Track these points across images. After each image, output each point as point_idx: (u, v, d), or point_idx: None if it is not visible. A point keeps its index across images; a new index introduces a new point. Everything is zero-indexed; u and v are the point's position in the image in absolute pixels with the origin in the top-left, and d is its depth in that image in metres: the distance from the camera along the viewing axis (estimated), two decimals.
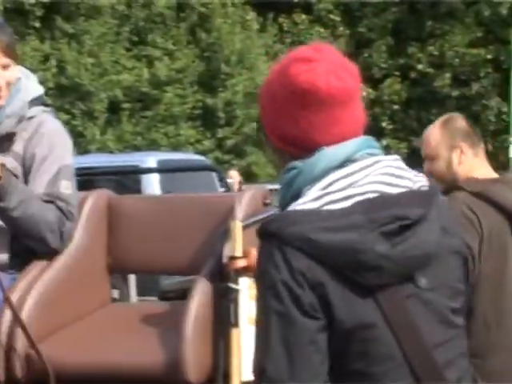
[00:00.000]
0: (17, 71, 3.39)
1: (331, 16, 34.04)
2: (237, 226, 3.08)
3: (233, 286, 3.03)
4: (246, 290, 3.07)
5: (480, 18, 34.04)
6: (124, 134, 26.15)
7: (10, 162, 3.31)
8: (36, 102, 3.46)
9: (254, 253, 3.02)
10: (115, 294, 4.51)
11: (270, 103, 2.14)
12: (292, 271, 1.93)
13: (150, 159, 13.89)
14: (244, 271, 3.05)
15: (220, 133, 27.81)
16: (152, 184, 13.48)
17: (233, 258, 3.04)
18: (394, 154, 2.15)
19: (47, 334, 3.23)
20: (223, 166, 25.27)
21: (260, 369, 1.97)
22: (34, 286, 3.25)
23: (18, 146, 3.39)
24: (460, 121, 4.10)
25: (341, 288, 1.95)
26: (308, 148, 2.06)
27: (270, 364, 1.95)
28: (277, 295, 1.94)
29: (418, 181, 2.08)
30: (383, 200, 2.01)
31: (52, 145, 3.41)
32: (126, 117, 26.51)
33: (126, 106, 26.58)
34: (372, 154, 2.08)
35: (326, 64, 2.05)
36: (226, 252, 3.09)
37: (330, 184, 2.01)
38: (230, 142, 27.95)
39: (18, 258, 3.35)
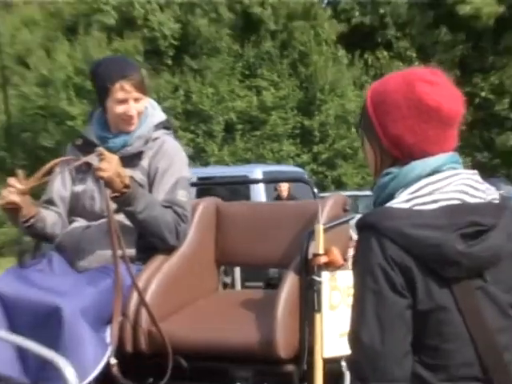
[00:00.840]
0: (146, 102, 3.63)
1: (408, 52, 36.58)
2: (320, 229, 3.24)
3: (316, 278, 3.17)
4: (327, 282, 3.19)
5: None
6: (237, 149, 26.77)
7: (137, 175, 3.52)
8: (159, 126, 3.67)
9: (333, 251, 3.23)
10: (228, 280, 4.62)
11: (390, 112, 2.24)
12: (386, 257, 2.08)
13: (257, 170, 14.20)
14: (326, 266, 3.21)
15: (315, 149, 28.99)
16: (259, 191, 13.83)
17: (316, 255, 3.20)
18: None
19: (166, 314, 3.36)
20: (318, 176, 27.28)
21: (356, 337, 2.10)
22: (156, 275, 3.42)
23: (144, 162, 3.56)
24: None
25: (423, 275, 2.09)
26: (416, 156, 2.21)
27: (364, 333, 2.08)
28: (373, 276, 2.08)
29: (490, 193, 2.22)
30: (464, 207, 2.15)
31: (171, 160, 3.57)
32: (239, 136, 27.44)
33: (238, 127, 27.56)
34: (455, 168, 2.22)
35: (447, 89, 2.24)
36: (311, 250, 3.23)
37: (420, 189, 2.16)
38: (323, 156, 29.09)
39: (143, 253, 3.50)
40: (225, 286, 4.31)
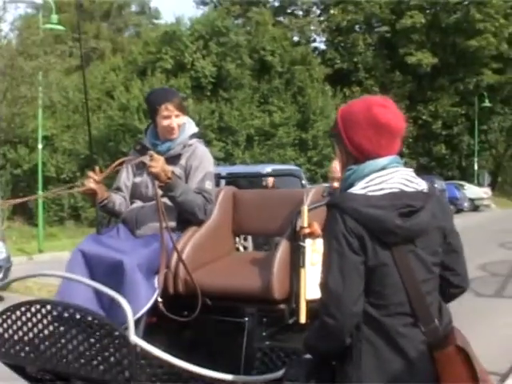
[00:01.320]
0: (184, 119, 3.60)
1: (373, 88, 36.66)
2: (305, 209, 3.19)
3: (302, 243, 3.12)
4: (309, 246, 3.14)
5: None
6: (255, 154, 26.51)
7: (177, 170, 3.48)
8: (193, 135, 3.62)
9: (314, 225, 3.16)
10: (247, 244, 4.65)
11: (353, 126, 2.25)
12: (346, 227, 2.13)
13: (268, 168, 14.07)
14: (308, 235, 3.15)
15: (309, 153, 28.66)
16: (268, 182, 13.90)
17: (302, 228, 3.15)
18: (409, 168, 2.31)
19: (197, 268, 3.33)
20: (311, 173, 27.16)
21: (324, 284, 2.17)
22: (190, 240, 3.40)
23: (183, 161, 3.52)
24: None
25: (372, 241, 2.14)
26: (370, 157, 2.24)
27: (331, 281, 2.13)
28: (337, 240, 2.13)
29: (421, 185, 2.25)
30: (401, 194, 2.19)
31: (201, 160, 3.54)
32: (256, 144, 27.10)
33: (256, 138, 27.22)
34: (397, 166, 2.26)
35: (394, 111, 2.26)
36: (298, 224, 3.17)
37: (371, 180, 2.20)
38: (315, 159, 28.77)
39: (181, 225, 3.46)
40: (245, 248, 4.22)
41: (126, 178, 3.65)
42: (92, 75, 29.09)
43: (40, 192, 17.01)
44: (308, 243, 3.13)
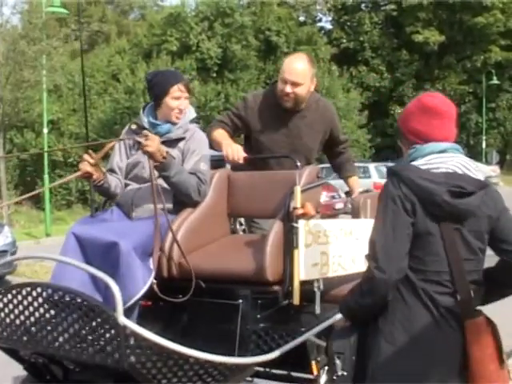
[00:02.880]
0: (187, 104, 3.61)
1: (380, 67, 36.63)
2: (298, 190, 3.16)
3: (295, 224, 3.07)
4: (303, 227, 3.07)
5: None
6: None
7: (175, 152, 3.48)
8: (192, 121, 3.64)
9: (308, 205, 3.12)
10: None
11: (408, 116, 2.57)
12: (402, 192, 2.39)
13: None
14: (302, 216, 3.10)
15: None
16: None
17: (295, 208, 3.11)
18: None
19: (191, 250, 3.30)
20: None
21: (376, 239, 2.40)
22: (185, 222, 3.37)
23: (181, 144, 3.52)
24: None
25: (422, 209, 2.39)
26: (426, 140, 2.51)
27: (383, 236, 2.39)
28: (393, 201, 2.39)
29: (478, 174, 2.49)
30: (455, 175, 2.44)
31: (198, 143, 3.55)
32: None
33: None
34: (455, 153, 2.50)
35: (441, 98, 2.57)
36: (292, 205, 3.14)
37: (431, 159, 2.46)
38: None
39: (176, 206, 3.43)
40: (244, 231, 4.14)
41: (119, 159, 3.62)
42: (97, 58, 29.03)
43: (46, 176, 17.03)
44: (301, 224, 3.07)
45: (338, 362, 2.50)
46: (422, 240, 2.40)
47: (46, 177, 17.03)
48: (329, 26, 41.33)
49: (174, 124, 3.56)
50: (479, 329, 2.42)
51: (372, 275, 2.36)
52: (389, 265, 2.34)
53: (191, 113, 3.64)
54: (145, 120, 3.59)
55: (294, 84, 3.87)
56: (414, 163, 2.47)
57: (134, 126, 3.62)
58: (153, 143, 3.25)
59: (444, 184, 2.40)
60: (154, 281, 3.14)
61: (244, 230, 4.19)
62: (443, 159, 2.46)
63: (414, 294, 2.39)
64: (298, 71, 3.90)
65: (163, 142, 3.43)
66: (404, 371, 2.38)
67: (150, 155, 3.27)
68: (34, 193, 4.78)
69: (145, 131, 3.38)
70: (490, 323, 2.45)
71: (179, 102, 3.51)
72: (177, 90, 3.50)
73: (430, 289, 2.39)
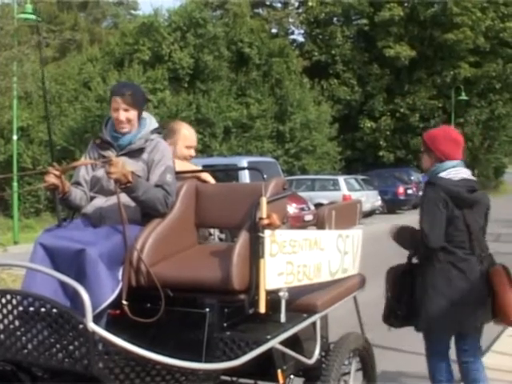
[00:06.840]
0: (135, 114, 3.58)
1: (351, 81, 37.25)
2: (264, 201, 3.17)
3: (261, 234, 3.10)
4: (269, 237, 3.11)
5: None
6: (232, 146, 26.53)
7: (139, 164, 3.51)
8: (154, 131, 3.66)
9: (273, 216, 3.14)
10: (222, 236, 4.54)
11: (439, 141, 4.10)
12: (440, 195, 3.95)
13: (243, 160, 14.19)
14: (267, 226, 3.12)
15: (286, 146, 28.81)
16: (245, 174, 13.89)
17: (261, 219, 3.13)
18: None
19: (160, 260, 3.33)
20: (288, 165, 27.77)
21: (428, 225, 3.92)
22: (153, 233, 3.38)
23: (144, 155, 3.56)
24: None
25: (452, 204, 3.95)
26: (448, 158, 4.07)
27: (430, 224, 3.93)
28: (434, 202, 3.96)
29: (472, 177, 4.11)
30: (468, 180, 4.06)
31: (162, 154, 3.58)
32: (234, 136, 27.08)
33: (233, 130, 27.21)
34: (463, 166, 4.11)
35: (457, 132, 4.31)
36: (258, 215, 3.15)
37: (450, 172, 4.04)
38: (292, 151, 28.98)
39: (145, 217, 3.46)
40: (220, 239, 4.17)
41: (84, 172, 3.64)
42: (69, 66, 28.82)
43: (15, 184, 16.87)
44: (267, 234, 3.12)
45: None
46: (452, 222, 3.93)
47: (16, 184, 16.87)
48: (301, 39, 41.80)
49: (136, 135, 3.60)
50: (499, 272, 3.96)
51: (423, 243, 3.92)
52: (431, 241, 3.90)
53: (152, 123, 3.68)
54: (107, 134, 3.63)
55: None
56: (440, 175, 4.01)
57: (98, 141, 3.67)
58: (116, 169, 3.25)
59: (463, 186, 3.97)
60: (125, 302, 3.15)
61: (221, 239, 4.18)
62: (458, 170, 4.03)
63: (449, 257, 3.96)
64: None
65: (126, 154, 3.51)
66: (449, 301, 3.90)
67: (116, 180, 3.29)
68: None
69: (109, 157, 3.42)
70: (505, 268, 4.02)
71: (116, 114, 3.55)
72: (113, 101, 3.56)
73: (458, 252, 3.96)
